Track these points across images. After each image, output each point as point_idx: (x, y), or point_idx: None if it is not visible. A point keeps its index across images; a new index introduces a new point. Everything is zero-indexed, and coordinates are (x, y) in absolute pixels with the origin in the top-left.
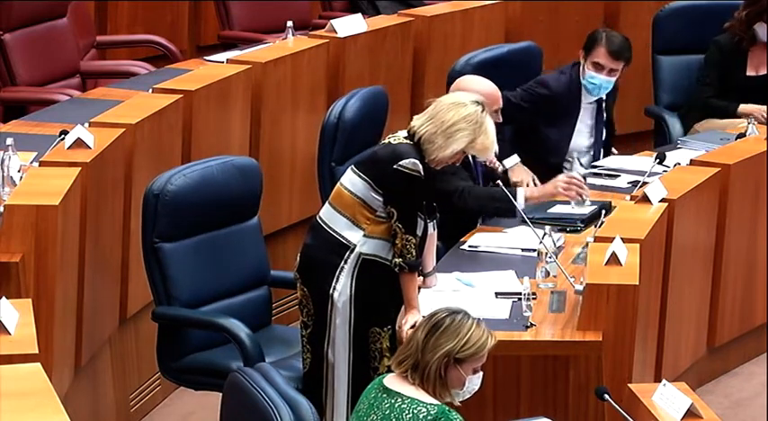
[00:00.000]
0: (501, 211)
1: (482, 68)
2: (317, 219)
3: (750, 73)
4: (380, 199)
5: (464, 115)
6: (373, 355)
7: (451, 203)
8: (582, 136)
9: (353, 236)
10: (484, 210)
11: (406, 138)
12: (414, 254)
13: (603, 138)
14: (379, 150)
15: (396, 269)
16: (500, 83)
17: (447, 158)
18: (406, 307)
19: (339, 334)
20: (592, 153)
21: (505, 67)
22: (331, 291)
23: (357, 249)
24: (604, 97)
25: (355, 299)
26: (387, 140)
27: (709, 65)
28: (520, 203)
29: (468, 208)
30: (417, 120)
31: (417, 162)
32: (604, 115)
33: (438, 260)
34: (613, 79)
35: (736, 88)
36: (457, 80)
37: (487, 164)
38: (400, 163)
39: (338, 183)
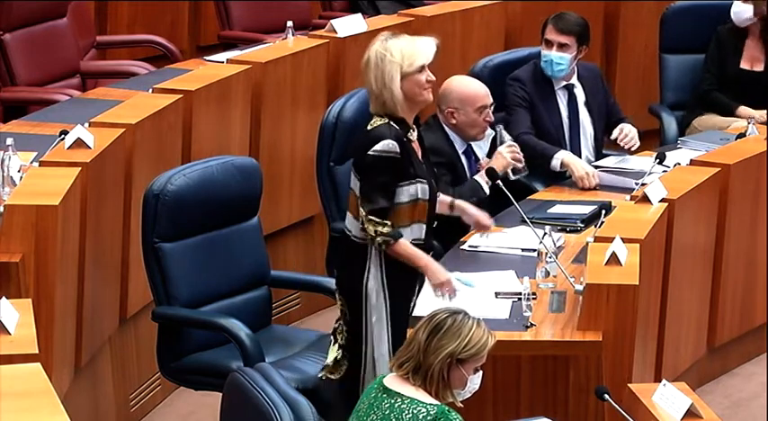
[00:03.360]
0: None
1: (500, 71)
2: (342, 228)
3: (744, 66)
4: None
5: (375, 60)
6: None
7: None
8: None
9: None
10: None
11: (379, 118)
12: (385, 229)
13: (591, 134)
14: (357, 137)
15: (383, 247)
16: None
17: (411, 95)
18: (423, 272)
19: (376, 330)
20: (569, 145)
21: None
22: (363, 288)
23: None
24: (577, 83)
25: (389, 289)
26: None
27: (708, 54)
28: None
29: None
30: (370, 104)
31: (389, 141)
32: (579, 105)
33: (438, 260)
34: (565, 55)
35: (728, 80)
36: (447, 81)
37: (482, 164)
38: (375, 147)
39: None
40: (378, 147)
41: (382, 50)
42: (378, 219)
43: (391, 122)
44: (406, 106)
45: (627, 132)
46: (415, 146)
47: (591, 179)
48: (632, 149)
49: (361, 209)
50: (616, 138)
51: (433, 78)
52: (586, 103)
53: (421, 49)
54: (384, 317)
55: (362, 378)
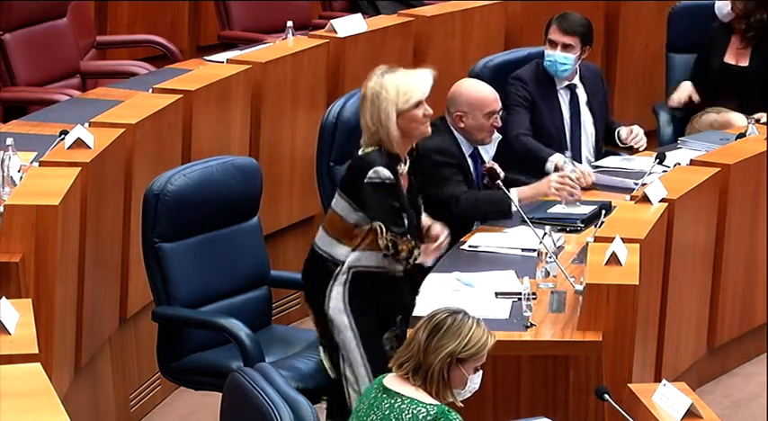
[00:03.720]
0: (497, 214)
1: (501, 71)
2: (312, 244)
3: (728, 60)
4: (362, 215)
5: (371, 97)
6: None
7: (449, 211)
8: (567, 125)
9: (341, 252)
10: (480, 214)
11: (367, 147)
12: (415, 252)
13: (593, 133)
14: (350, 165)
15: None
16: None
17: (408, 130)
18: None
19: (350, 349)
20: (570, 145)
21: None
22: (325, 309)
23: (346, 263)
24: (579, 84)
25: (353, 311)
26: (358, 152)
27: (698, 50)
28: (515, 204)
29: (464, 214)
30: (363, 136)
31: (381, 169)
32: (581, 105)
33: (438, 260)
34: (569, 56)
35: (712, 74)
36: (456, 84)
37: (487, 166)
38: (369, 175)
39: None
40: (371, 174)
41: (377, 87)
42: (408, 238)
43: (383, 151)
44: (402, 141)
45: (637, 132)
46: (404, 179)
47: (586, 177)
48: (640, 149)
49: (386, 235)
50: (621, 139)
51: (431, 112)
52: (588, 103)
53: (416, 85)
54: (352, 339)
55: (348, 397)
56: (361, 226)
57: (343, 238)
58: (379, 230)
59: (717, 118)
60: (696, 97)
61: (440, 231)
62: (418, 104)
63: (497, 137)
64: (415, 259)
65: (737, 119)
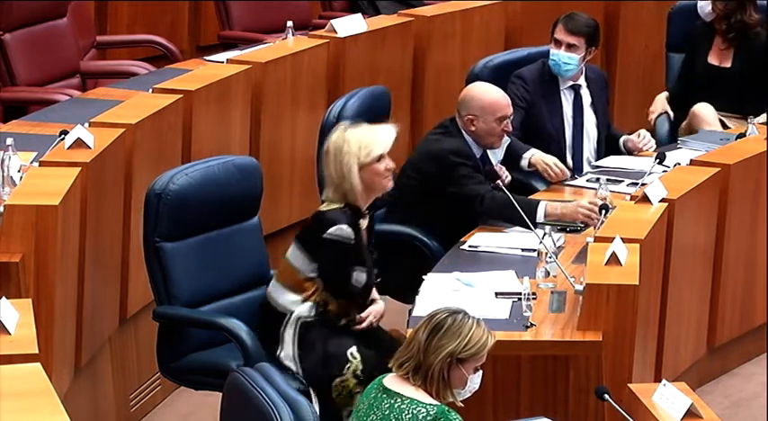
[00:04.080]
0: (521, 221)
1: (501, 71)
2: (266, 294)
3: (712, 61)
4: (315, 268)
5: (334, 150)
6: (343, 402)
7: (473, 209)
8: (568, 126)
9: (292, 301)
10: (504, 217)
11: (331, 202)
12: (349, 315)
13: (595, 136)
14: (312, 218)
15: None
16: None
17: (370, 183)
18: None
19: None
20: (572, 146)
21: None
22: (278, 355)
23: (295, 314)
24: (584, 84)
25: (302, 360)
26: (319, 209)
27: (685, 47)
28: (539, 217)
29: (488, 213)
30: (325, 191)
31: (344, 227)
32: (584, 105)
33: (438, 260)
34: (574, 56)
35: (697, 73)
36: (468, 87)
37: (491, 166)
38: (329, 231)
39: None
40: (333, 231)
41: (340, 141)
42: (345, 303)
43: (346, 208)
44: (365, 195)
45: (645, 135)
46: (364, 234)
47: (555, 170)
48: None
49: (322, 292)
50: (627, 149)
51: (393, 166)
52: (592, 105)
53: (378, 139)
54: (304, 384)
55: None
56: (314, 280)
57: (296, 289)
58: (319, 284)
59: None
60: (670, 111)
61: (373, 312)
62: (380, 158)
63: (506, 140)
64: (348, 323)
65: (703, 111)
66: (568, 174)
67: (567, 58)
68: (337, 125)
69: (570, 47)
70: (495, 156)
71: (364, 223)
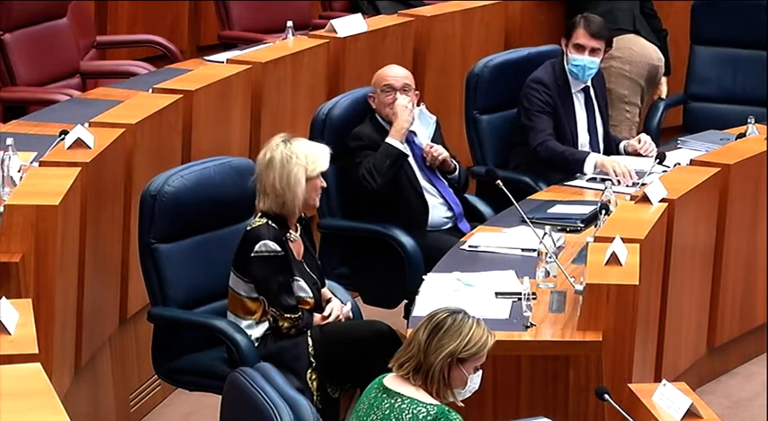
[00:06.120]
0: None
1: (501, 71)
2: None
3: None
4: (252, 286)
5: (282, 160)
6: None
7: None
8: (581, 129)
9: (247, 327)
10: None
11: (261, 217)
12: (299, 323)
13: (602, 134)
14: (241, 238)
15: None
16: (520, 86)
17: (307, 197)
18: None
19: None
20: (589, 148)
21: (526, 70)
22: None
23: (253, 337)
24: (590, 85)
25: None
26: (246, 228)
27: None
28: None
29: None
30: (260, 201)
31: (269, 242)
32: (595, 106)
33: (438, 260)
34: (596, 60)
35: None
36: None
37: (425, 148)
38: (256, 248)
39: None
40: (258, 247)
41: (288, 152)
42: (293, 316)
43: (270, 223)
44: (301, 209)
45: (646, 140)
46: (296, 245)
47: (632, 174)
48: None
49: (269, 309)
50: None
51: (325, 185)
52: (597, 104)
53: (322, 156)
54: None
55: None
56: (258, 299)
57: (246, 314)
58: (264, 303)
59: None
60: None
61: (334, 310)
62: (321, 174)
63: (429, 116)
64: (302, 330)
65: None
66: (635, 176)
67: (591, 63)
68: (274, 137)
69: (593, 51)
70: (423, 135)
71: (295, 235)
